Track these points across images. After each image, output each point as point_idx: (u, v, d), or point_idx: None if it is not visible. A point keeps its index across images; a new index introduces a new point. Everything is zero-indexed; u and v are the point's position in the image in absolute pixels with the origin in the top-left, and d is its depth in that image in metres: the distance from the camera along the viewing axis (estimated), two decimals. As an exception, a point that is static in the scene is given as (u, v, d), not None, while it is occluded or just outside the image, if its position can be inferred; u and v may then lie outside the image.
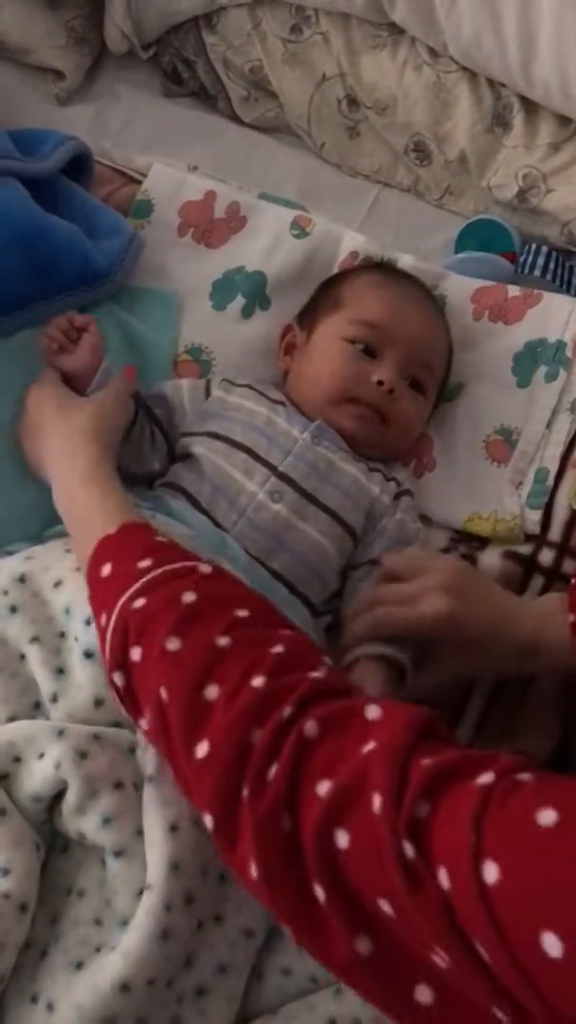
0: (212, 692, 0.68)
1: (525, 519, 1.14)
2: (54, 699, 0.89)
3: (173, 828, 0.80)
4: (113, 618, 0.75)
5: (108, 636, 0.76)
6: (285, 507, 1.03)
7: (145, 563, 0.77)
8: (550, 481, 1.16)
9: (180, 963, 0.80)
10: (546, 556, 1.11)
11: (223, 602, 0.75)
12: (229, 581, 0.80)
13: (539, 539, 1.13)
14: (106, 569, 0.79)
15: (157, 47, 1.53)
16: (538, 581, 1.10)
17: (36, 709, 0.90)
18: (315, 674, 0.68)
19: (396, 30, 1.39)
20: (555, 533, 1.12)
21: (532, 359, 1.22)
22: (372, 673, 0.96)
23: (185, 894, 0.79)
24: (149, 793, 0.82)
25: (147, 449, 1.10)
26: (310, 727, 0.64)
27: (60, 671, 0.90)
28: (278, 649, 0.70)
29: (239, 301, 1.25)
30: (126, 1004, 0.75)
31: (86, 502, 0.91)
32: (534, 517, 1.14)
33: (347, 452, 1.10)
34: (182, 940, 0.79)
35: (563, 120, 1.34)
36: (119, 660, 0.75)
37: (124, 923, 0.79)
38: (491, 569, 1.11)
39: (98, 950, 0.79)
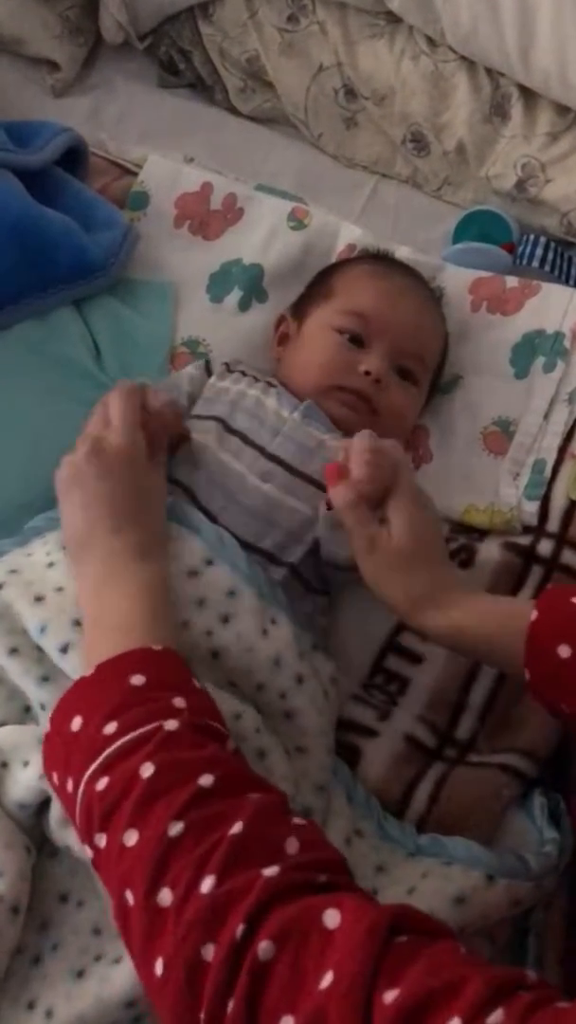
0: (165, 897, 0.63)
1: (523, 510, 1.14)
2: (43, 707, 0.88)
3: None
4: (80, 795, 0.71)
5: (76, 810, 0.72)
6: (275, 487, 1.02)
7: (110, 728, 0.72)
8: (548, 472, 1.15)
9: None
10: (545, 547, 1.10)
11: (184, 771, 0.69)
12: (196, 737, 0.72)
13: (537, 530, 1.12)
14: (75, 724, 0.74)
15: (153, 37, 1.52)
16: (537, 572, 1.09)
17: (27, 713, 0.90)
18: (269, 872, 0.62)
19: (394, 19, 1.38)
20: (553, 524, 1.11)
21: (530, 350, 1.22)
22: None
23: None
24: None
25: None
26: (264, 949, 0.58)
27: (45, 679, 0.89)
28: (236, 829, 0.64)
29: (236, 294, 1.25)
30: (129, 1018, 0.76)
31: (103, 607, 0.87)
32: (532, 508, 1.13)
33: (336, 433, 1.09)
34: None
35: (562, 109, 1.33)
36: (87, 838, 0.71)
37: None
38: (490, 560, 1.10)
39: (98, 959, 0.79)
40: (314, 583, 1.04)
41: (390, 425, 1.13)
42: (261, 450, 1.05)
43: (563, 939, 0.89)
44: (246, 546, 0.98)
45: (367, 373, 1.09)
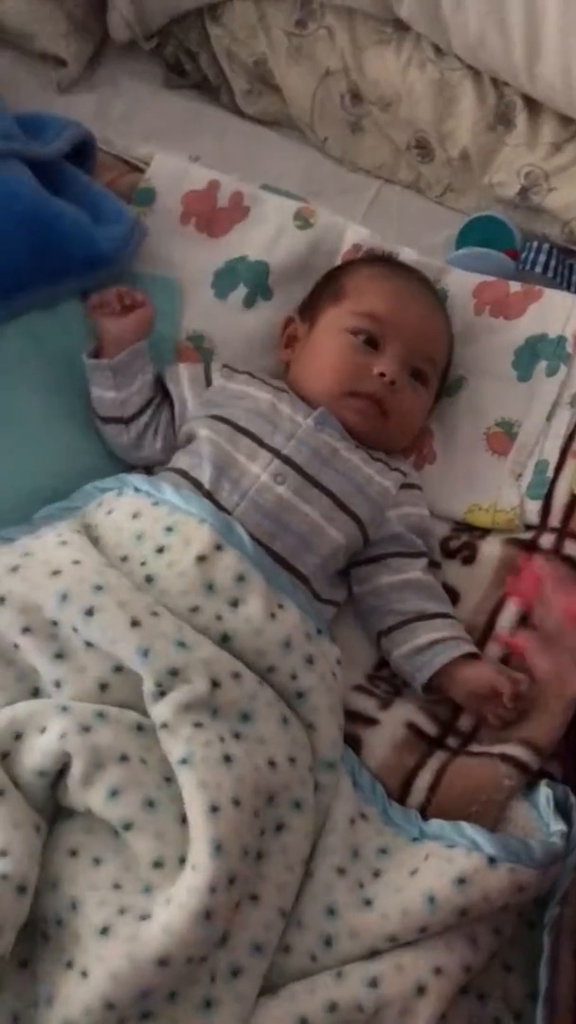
0: None
1: (525, 510, 1.15)
2: (57, 685, 0.88)
3: (214, 809, 0.81)
4: None
5: None
6: (288, 489, 1.03)
7: None
8: (550, 472, 1.16)
9: (216, 941, 0.80)
10: (547, 540, 1.12)
11: None
12: None
13: (539, 526, 1.14)
14: None
15: (160, 37, 1.53)
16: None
17: (34, 696, 0.90)
18: None
19: (402, 26, 1.40)
20: (555, 519, 1.13)
21: (533, 354, 1.23)
22: None
23: (228, 875, 0.79)
24: (185, 777, 0.83)
25: (153, 427, 1.12)
26: None
27: (59, 656, 0.90)
28: None
29: (241, 290, 1.25)
30: (163, 978, 0.76)
31: None
32: (534, 508, 1.15)
33: (349, 441, 1.10)
34: (222, 920, 0.79)
35: (566, 120, 1.35)
36: None
37: (147, 889, 0.79)
38: (492, 556, 1.12)
39: (122, 912, 0.78)
40: (324, 595, 1.06)
41: (399, 429, 1.14)
42: (276, 452, 1.06)
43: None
44: (258, 546, 0.99)
45: (382, 375, 1.09)
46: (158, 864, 0.80)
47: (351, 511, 1.06)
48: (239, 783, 0.83)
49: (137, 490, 1.03)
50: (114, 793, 0.82)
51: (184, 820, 0.83)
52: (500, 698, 0.98)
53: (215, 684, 0.89)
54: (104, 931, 0.78)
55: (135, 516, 0.99)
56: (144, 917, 0.78)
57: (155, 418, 1.13)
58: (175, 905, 0.77)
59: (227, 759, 0.84)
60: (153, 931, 0.76)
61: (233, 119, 1.54)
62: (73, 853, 0.83)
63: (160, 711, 0.86)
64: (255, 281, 1.25)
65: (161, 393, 1.14)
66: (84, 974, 0.76)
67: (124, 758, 0.84)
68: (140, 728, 0.87)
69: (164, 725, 0.86)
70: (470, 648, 1.02)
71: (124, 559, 0.97)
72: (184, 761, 0.83)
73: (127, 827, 0.81)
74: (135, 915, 0.78)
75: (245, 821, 0.82)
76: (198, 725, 0.85)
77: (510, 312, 1.26)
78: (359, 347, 1.12)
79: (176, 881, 0.80)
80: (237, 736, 0.87)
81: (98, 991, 0.75)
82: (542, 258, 1.33)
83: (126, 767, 0.83)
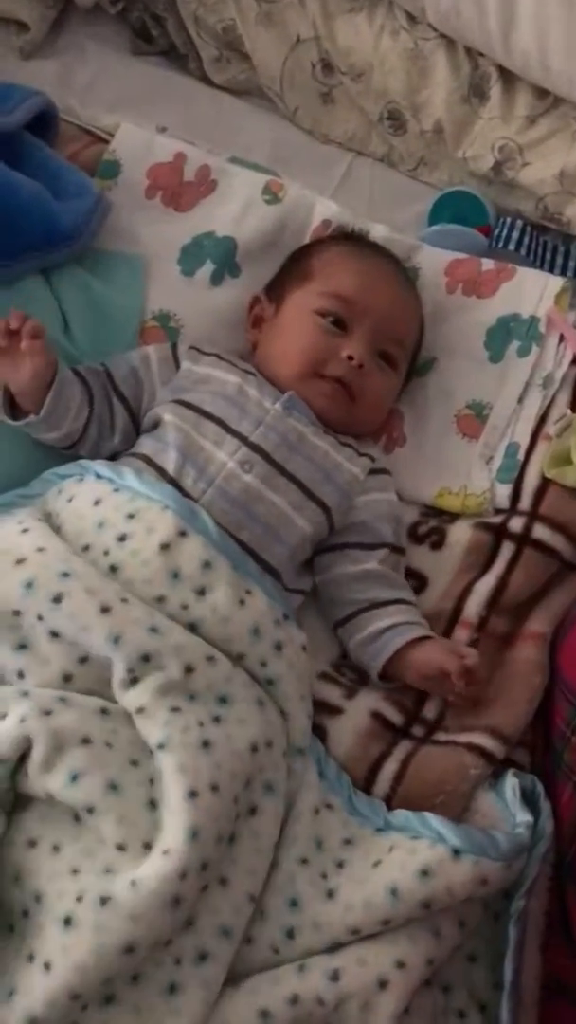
0: None
1: (495, 494, 1.14)
2: (20, 675, 0.87)
3: (192, 794, 0.80)
4: None
5: None
6: (255, 478, 1.01)
7: None
8: (521, 455, 1.15)
9: (182, 925, 0.79)
10: (516, 523, 1.11)
11: None
12: None
13: (509, 509, 1.13)
14: None
15: (126, 2, 1.48)
16: (508, 548, 1.10)
17: None
18: None
19: (374, -7, 1.36)
20: (525, 502, 1.12)
21: (505, 334, 1.21)
22: None
23: (201, 861, 0.79)
24: (163, 761, 0.82)
25: (107, 431, 1.08)
26: None
27: (22, 646, 0.88)
28: None
29: (208, 267, 1.22)
30: (128, 965, 0.75)
31: None
32: (504, 492, 1.14)
33: (317, 426, 1.08)
34: (190, 905, 0.79)
35: (541, 92, 1.32)
36: None
37: (107, 871, 0.78)
38: (461, 540, 1.11)
39: (79, 899, 0.77)
40: (292, 585, 1.04)
41: (366, 413, 1.12)
42: (243, 439, 1.03)
43: (544, 927, 0.89)
44: (224, 532, 0.97)
45: (350, 358, 1.07)
46: (121, 848, 0.80)
47: (319, 499, 1.05)
48: (217, 768, 0.83)
49: (99, 476, 1.00)
50: (75, 777, 0.81)
51: (153, 805, 0.82)
52: (449, 678, 0.96)
53: (189, 670, 0.87)
54: (67, 921, 0.77)
55: (96, 503, 0.97)
56: (104, 900, 0.77)
57: (105, 423, 1.08)
58: (144, 890, 0.76)
59: (205, 744, 0.84)
60: (119, 918, 0.75)
61: (201, 88, 1.49)
62: (32, 844, 0.82)
63: (135, 696, 0.85)
64: (222, 258, 1.22)
65: (102, 386, 1.08)
66: (47, 966, 0.75)
67: (87, 741, 0.83)
68: (105, 712, 0.85)
69: (141, 710, 0.85)
70: (423, 632, 1.01)
71: (86, 548, 0.95)
72: (162, 746, 0.83)
73: (90, 810, 0.80)
74: (94, 899, 0.77)
75: (223, 807, 0.82)
76: (175, 710, 0.85)
77: (482, 291, 1.24)
78: (327, 329, 1.10)
79: (139, 865, 0.78)
80: (216, 720, 0.87)
81: (63, 983, 0.74)
82: (515, 235, 1.31)
83: (88, 750, 0.82)
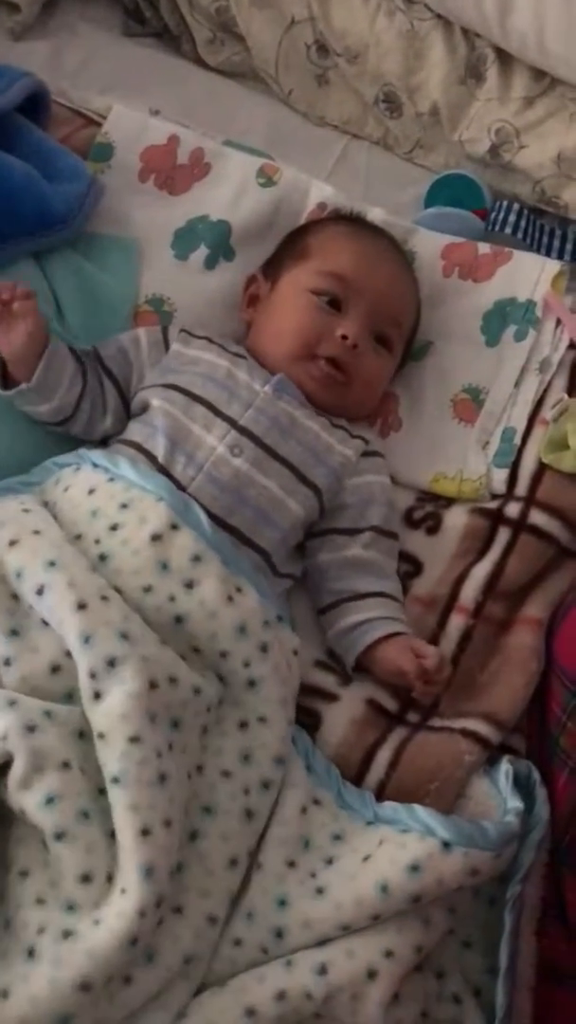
0: None
1: (491, 479, 1.13)
2: (7, 663, 0.86)
3: (144, 832, 0.79)
4: None
5: None
6: (245, 462, 1.00)
7: None
8: (517, 440, 1.14)
9: (139, 961, 0.78)
10: (512, 509, 1.10)
11: None
12: None
13: (505, 495, 1.12)
14: None
15: (118, -18, 1.46)
16: (504, 533, 1.09)
17: None
18: None
19: (369, -27, 1.34)
20: (522, 488, 1.11)
21: (501, 318, 1.20)
22: None
23: (157, 898, 0.77)
24: (116, 796, 0.80)
25: (99, 409, 1.07)
26: None
27: (14, 632, 0.87)
28: None
29: (202, 251, 1.21)
30: (83, 1002, 0.74)
31: None
32: (501, 476, 1.13)
33: (308, 408, 1.07)
34: (147, 941, 0.78)
35: (538, 74, 1.31)
36: None
37: (71, 907, 0.77)
38: (457, 526, 1.10)
39: (41, 931, 0.77)
40: (283, 569, 1.03)
41: (360, 395, 1.11)
42: (232, 423, 1.02)
43: (540, 913, 0.89)
44: (215, 521, 0.96)
45: (344, 338, 1.06)
46: (86, 879, 0.78)
47: (311, 482, 1.04)
48: (170, 803, 0.81)
49: (95, 465, 0.99)
50: (50, 800, 0.79)
51: (113, 835, 0.80)
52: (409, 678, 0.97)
53: (152, 685, 0.85)
54: (30, 953, 0.76)
55: (91, 492, 0.96)
56: (67, 934, 0.76)
57: (97, 400, 1.07)
58: (103, 929, 0.75)
59: (162, 779, 0.81)
60: (77, 954, 0.74)
61: (195, 70, 1.48)
62: (6, 867, 0.80)
63: (98, 719, 0.83)
64: (217, 241, 1.21)
65: (96, 365, 1.08)
66: (5, 994, 0.74)
67: (66, 765, 0.81)
68: (81, 735, 0.84)
69: (101, 735, 0.83)
70: (392, 628, 1.00)
71: (79, 537, 0.94)
72: (116, 780, 0.80)
73: (59, 836, 0.79)
74: (56, 933, 0.76)
75: (173, 841, 0.81)
76: (134, 740, 0.82)
77: (479, 274, 1.23)
78: (322, 308, 1.08)
79: (104, 899, 0.78)
80: (171, 747, 0.84)
81: (17, 1013, 0.73)
82: (512, 218, 1.30)
83: (66, 775, 0.81)
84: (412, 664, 0.96)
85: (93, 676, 0.84)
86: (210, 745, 0.90)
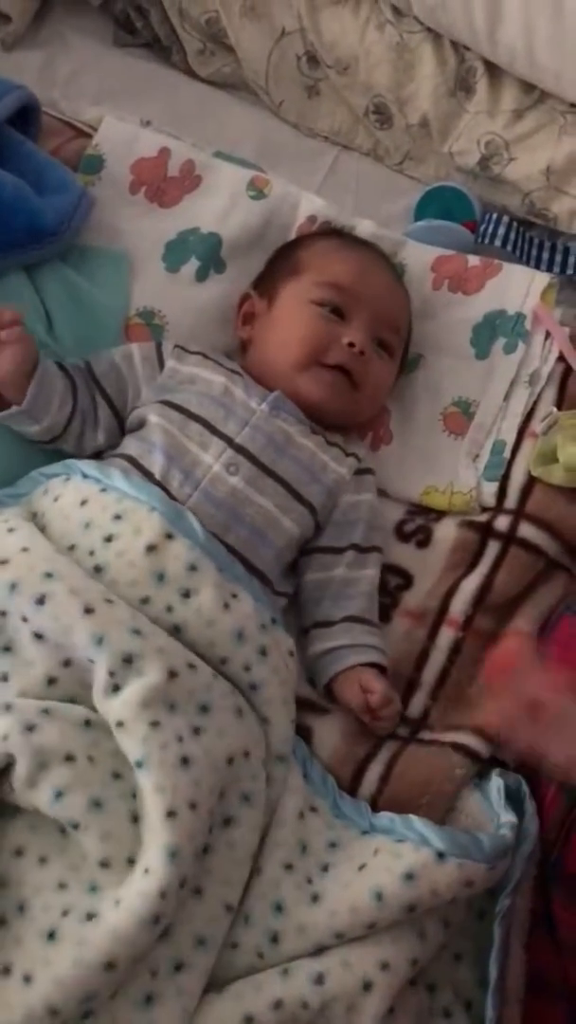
0: None
1: (482, 492, 1.14)
2: (4, 678, 0.87)
3: (170, 814, 0.80)
4: None
5: None
6: (241, 480, 1.01)
7: None
8: (507, 453, 1.15)
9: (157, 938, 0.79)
10: (502, 522, 1.11)
11: None
12: None
13: (495, 508, 1.13)
14: None
15: (109, -7, 1.46)
16: (494, 547, 1.09)
17: None
18: None
19: (359, -14, 1.35)
20: (511, 501, 1.12)
21: (491, 330, 1.21)
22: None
23: (180, 880, 0.78)
24: (142, 780, 0.81)
25: (90, 425, 1.07)
26: None
27: (7, 649, 0.88)
28: None
29: (193, 263, 1.21)
30: (109, 981, 0.75)
31: None
32: (491, 490, 1.14)
33: (305, 425, 1.08)
34: (168, 921, 0.79)
35: (527, 87, 1.31)
36: None
37: (93, 888, 0.78)
38: (447, 539, 1.10)
39: (65, 914, 0.77)
40: (278, 587, 1.04)
41: (367, 401, 1.13)
42: (229, 441, 1.03)
43: (529, 926, 0.90)
44: (211, 535, 0.96)
45: (351, 345, 1.07)
46: (104, 864, 0.79)
47: (306, 500, 1.04)
48: (195, 786, 0.82)
49: (85, 476, 1.00)
50: (59, 794, 0.80)
51: (135, 818, 0.81)
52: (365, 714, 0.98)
53: (172, 674, 0.86)
54: (51, 935, 0.77)
55: (83, 503, 0.96)
56: (90, 916, 0.77)
57: (88, 417, 1.07)
58: (124, 909, 0.76)
59: (184, 761, 0.82)
60: (100, 935, 0.75)
61: (186, 81, 1.48)
62: (19, 852, 0.81)
63: (116, 709, 0.84)
64: (208, 254, 1.22)
65: (87, 382, 1.08)
66: (27, 979, 0.75)
67: (70, 758, 0.82)
68: (88, 724, 0.85)
69: (120, 724, 0.84)
70: (354, 659, 1.01)
71: (72, 548, 0.94)
72: (140, 764, 0.82)
73: (74, 827, 0.80)
74: (80, 915, 0.77)
75: (200, 824, 0.81)
76: (154, 724, 0.83)
77: (468, 287, 1.24)
78: (326, 316, 1.10)
79: (125, 881, 0.78)
80: (196, 731, 0.86)
81: (42, 996, 0.74)
82: (501, 231, 1.30)
83: (71, 767, 0.82)
84: (358, 700, 0.98)
85: (112, 674, 0.85)
86: None
